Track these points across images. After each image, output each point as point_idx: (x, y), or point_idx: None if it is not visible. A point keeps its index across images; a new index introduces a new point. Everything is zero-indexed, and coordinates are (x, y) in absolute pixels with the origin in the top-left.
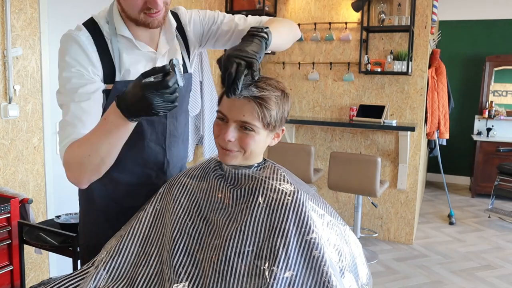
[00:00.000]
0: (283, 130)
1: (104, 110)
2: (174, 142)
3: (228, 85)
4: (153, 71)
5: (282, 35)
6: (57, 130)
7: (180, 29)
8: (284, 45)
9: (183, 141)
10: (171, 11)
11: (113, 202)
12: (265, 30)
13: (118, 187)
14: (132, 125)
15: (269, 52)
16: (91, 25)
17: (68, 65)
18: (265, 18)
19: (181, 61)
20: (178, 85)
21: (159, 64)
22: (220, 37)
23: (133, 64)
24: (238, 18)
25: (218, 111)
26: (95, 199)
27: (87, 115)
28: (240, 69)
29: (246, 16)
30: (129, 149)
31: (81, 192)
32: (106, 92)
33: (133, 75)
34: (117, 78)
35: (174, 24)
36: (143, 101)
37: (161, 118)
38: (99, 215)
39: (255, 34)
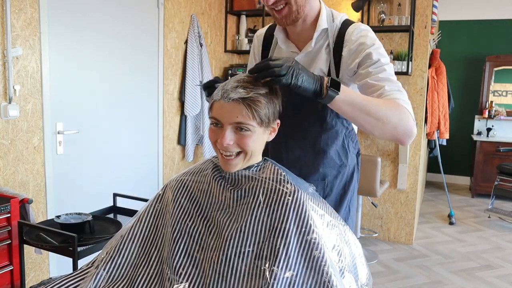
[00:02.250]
0: (278, 123)
1: None
2: None
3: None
4: None
5: (361, 111)
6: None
7: (339, 43)
8: (365, 125)
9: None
10: (353, 23)
11: None
12: (330, 87)
13: None
14: None
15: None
16: (271, 26)
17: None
18: (400, 101)
19: (325, 69)
20: None
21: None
22: (361, 87)
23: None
24: (389, 84)
25: (211, 118)
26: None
27: None
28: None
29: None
30: None
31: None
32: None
33: None
34: None
35: (323, 25)
36: None
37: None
38: None
39: (319, 80)
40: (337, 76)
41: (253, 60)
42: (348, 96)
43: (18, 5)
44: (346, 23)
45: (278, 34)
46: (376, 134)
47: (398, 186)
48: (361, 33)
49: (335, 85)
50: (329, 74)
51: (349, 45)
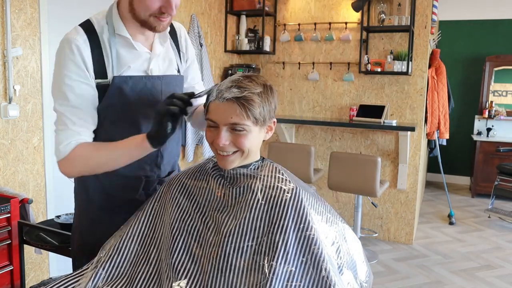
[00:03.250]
0: (274, 122)
1: (105, 100)
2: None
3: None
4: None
5: None
6: (55, 128)
7: (175, 40)
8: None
9: (176, 140)
10: (172, 22)
11: (108, 196)
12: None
13: (113, 180)
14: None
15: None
16: (86, 27)
17: (67, 71)
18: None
19: (175, 66)
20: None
21: (153, 63)
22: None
23: (132, 61)
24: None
25: (207, 119)
26: (90, 194)
27: (84, 116)
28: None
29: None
30: None
31: (77, 189)
32: (100, 87)
33: (133, 71)
34: (115, 73)
35: (168, 29)
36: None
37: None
38: (95, 210)
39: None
40: (181, 66)
41: (82, 69)
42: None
43: (18, 5)
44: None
45: (126, 34)
46: None
47: (398, 186)
48: (184, 30)
49: None
50: (178, 69)
51: (185, 44)
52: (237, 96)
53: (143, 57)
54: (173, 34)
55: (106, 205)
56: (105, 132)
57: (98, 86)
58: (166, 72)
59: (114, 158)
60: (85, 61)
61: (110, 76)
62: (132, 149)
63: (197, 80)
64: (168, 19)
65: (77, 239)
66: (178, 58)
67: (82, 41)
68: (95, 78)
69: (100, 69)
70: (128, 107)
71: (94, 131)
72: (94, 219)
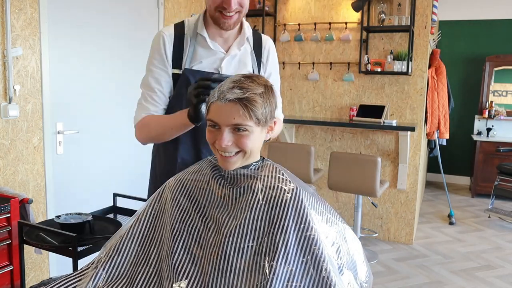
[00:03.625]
0: (275, 122)
1: (176, 89)
2: None
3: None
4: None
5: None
6: (138, 102)
7: (258, 49)
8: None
9: None
10: (262, 34)
11: (169, 175)
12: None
13: (174, 164)
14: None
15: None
16: (178, 25)
17: (154, 56)
18: (281, 116)
19: (250, 70)
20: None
21: (225, 62)
22: None
23: (205, 58)
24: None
25: (208, 120)
26: (157, 174)
27: (156, 97)
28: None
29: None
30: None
31: (151, 171)
32: (175, 76)
33: (204, 67)
34: (186, 66)
35: (248, 33)
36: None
37: None
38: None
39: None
40: (259, 70)
41: (163, 59)
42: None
43: (18, 5)
44: (256, 31)
45: (204, 33)
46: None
47: (398, 186)
48: (274, 48)
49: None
50: None
51: (267, 55)
52: (240, 97)
53: (217, 56)
54: (257, 43)
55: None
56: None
57: (174, 75)
58: (237, 72)
59: (165, 131)
60: (166, 52)
61: (183, 67)
62: (178, 126)
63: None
64: (233, 17)
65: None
66: (256, 65)
67: (168, 35)
68: (172, 67)
69: (177, 61)
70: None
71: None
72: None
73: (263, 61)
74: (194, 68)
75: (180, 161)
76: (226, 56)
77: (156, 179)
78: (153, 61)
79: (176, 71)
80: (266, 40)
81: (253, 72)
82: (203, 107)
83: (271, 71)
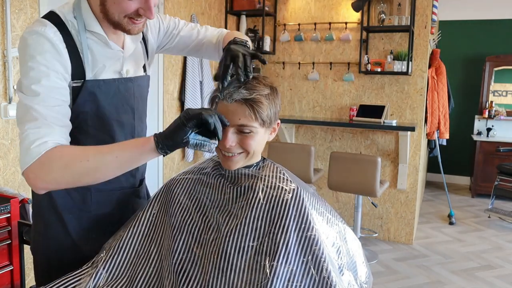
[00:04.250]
0: (278, 123)
1: (75, 108)
2: None
3: (240, 73)
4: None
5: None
6: (20, 130)
7: (144, 38)
8: None
9: None
10: None
11: (82, 212)
12: (247, 42)
13: (87, 194)
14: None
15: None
16: (56, 20)
17: (37, 64)
18: (224, 31)
19: (141, 64)
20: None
21: (126, 63)
22: (179, 43)
23: (105, 61)
24: (199, 27)
25: None
26: (60, 212)
27: (59, 112)
28: (246, 58)
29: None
30: None
31: (39, 208)
32: (74, 89)
33: (106, 73)
34: (88, 76)
35: None
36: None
37: (130, 119)
38: (65, 229)
39: (240, 43)
40: (149, 57)
41: (61, 66)
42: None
43: (18, 5)
44: None
45: (100, 31)
46: None
47: (398, 186)
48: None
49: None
50: (144, 67)
51: (147, 31)
52: (246, 98)
53: (116, 56)
54: None
55: (80, 221)
56: (77, 142)
57: (73, 89)
58: (137, 72)
59: (106, 161)
60: (61, 55)
61: (88, 77)
62: (131, 150)
63: (178, 26)
64: (143, 21)
65: (39, 257)
66: (145, 52)
67: (52, 34)
68: (72, 79)
69: (77, 68)
70: (101, 115)
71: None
72: (61, 238)
73: (148, 39)
74: (99, 76)
75: (95, 191)
76: (125, 55)
77: (54, 215)
78: (43, 63)
79: (76, 83)
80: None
81: (145, 64)
82: (189, 133)
83: (157, 24)
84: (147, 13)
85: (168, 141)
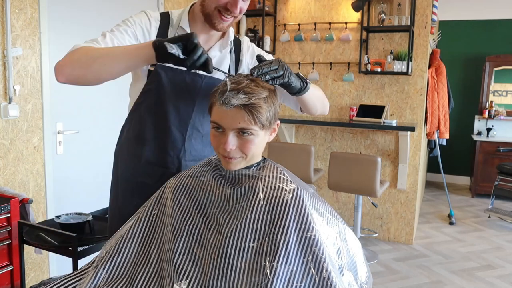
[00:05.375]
0: (278, 124)
1: (146, 84)
2: (196, 135)
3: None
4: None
5: (317, 98)
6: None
7: (237, 49)
8: (313, 109)
9: (204, 139)
10: (235, 36)
11: (131, 177)
12: (307, 80)
13: (138, 163)
14: (147, 64)
15: (301, 111)
16: (164, 14)
17: (130, 21)
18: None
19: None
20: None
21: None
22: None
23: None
24: None
25: (212, 122)
26: (118, 175)
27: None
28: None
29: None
30: (154, 129)
31: (113, 172)
32: (149, 72)
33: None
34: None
35: (232, 37)
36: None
37: (188, 109)
38: (120, 191)
39: (301, 77)
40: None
41: (138, 31)
42: (312, 86)
43: (18, 5)
44: (235, 37)
45: (188, 29)
46: (317, 113)
47: (398, 186)
48: (252, 44)
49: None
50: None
51: (246, 52)
52: (245, 103)
53: None
54: (236, 44)
55: (128, 187)
56: (139, 116)
57: (148, 72)
58: (214, 74)
59: (111, 54)
60: (150, 29)
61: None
62: (132, 49)
63: None
64: (230, 19)
65: (111, 229)
66: (234, 65)
67: (155, 17)
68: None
69: None
70: (162, 96)
71: (131, 114)
72: (122, 199)
73: (242, 58)
74: (168, 64)
75: (144, 162)
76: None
77: (117, 185)
78: (135, 19)
79: (152, 67)
80: (245, 40)
81: (230, 72)
82: (175, 48)
83: (253, 53)
84: (233, 8)
85: (160, 49)
